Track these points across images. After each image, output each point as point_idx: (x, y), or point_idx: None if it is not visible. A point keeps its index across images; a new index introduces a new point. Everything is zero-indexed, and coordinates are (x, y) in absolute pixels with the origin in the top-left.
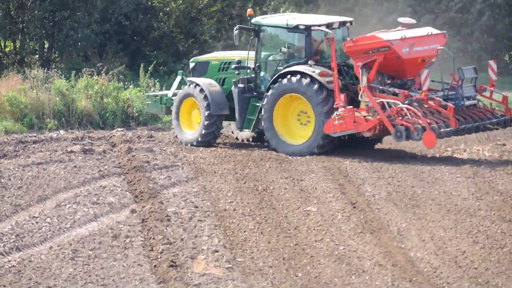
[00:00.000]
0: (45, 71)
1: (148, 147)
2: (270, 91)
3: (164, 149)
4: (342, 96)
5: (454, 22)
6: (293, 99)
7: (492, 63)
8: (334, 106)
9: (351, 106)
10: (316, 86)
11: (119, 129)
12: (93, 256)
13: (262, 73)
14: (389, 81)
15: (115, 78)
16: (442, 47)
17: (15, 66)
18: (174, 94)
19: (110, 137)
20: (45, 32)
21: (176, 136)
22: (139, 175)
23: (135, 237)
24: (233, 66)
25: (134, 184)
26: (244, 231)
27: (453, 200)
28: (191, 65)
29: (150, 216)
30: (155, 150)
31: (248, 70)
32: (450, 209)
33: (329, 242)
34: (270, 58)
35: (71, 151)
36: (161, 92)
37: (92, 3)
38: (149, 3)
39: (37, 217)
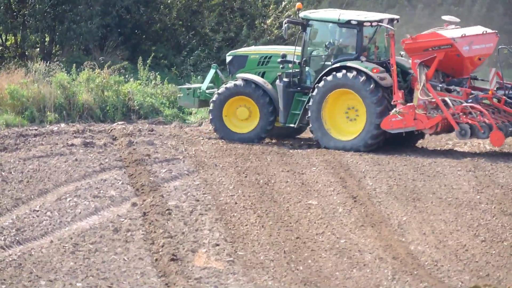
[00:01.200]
0: (47, 64)
1: (149, 140)
2: (320, 85)
3: (165, 142)
4: (400, 93)
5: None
6: (342, 94)
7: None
8: (392, 102)
9: (412, 103)
10: (370, 83)
11: (120, 122)
12: (93, 250)
13: (307, 68)
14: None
15: (115, 72)
16: (505, 47)
17: (16, 60)
18: (208, 88)
19: (111, 131)
20: (46, 25)
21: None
22: (140, 169)
23: (136, 231)
24: (278, 60)
25: (135, 177)
26: (245, 225)
27: (454, 193)
28: (228, 58)
29: (151, 209)
30: (156, 144)
31: (293, 65)
32: (450, 202)
33: (330, 235)
34: (315, 53)
35: (72, 144)
36: (194, 85)
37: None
38: None
39: (37, 211)
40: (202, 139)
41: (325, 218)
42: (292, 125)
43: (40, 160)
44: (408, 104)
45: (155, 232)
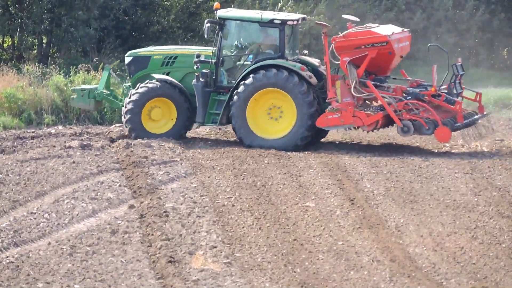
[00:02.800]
0: (43, 66)
1: (146, 142)
2: (247, 83)
3: (162, 144)
4: (333, 91)
5: (450, 18)
6: (266, 93)
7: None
8: (327, 100)
9: (350, 100)
10: (303, 83)
11: (117, 124)
12: (91, 252)
13: (224, 68)
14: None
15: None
16: (434, 43)
17: (13, 62)
18: (106, 88)
19: (108, 133)
20: (43, 28)
21: None
22: (137, 171)
23: (133, 233)
24: (194, 59)
25: (132, 179)
26: (243, 227)
27: (452, 195)
28: (128, 59)
29: (149, 211)
30: (153, 146)
31: (210, 64)
32: (448, 204)
33: (327, 237)
34: (233, 52)
35: (69, 147)
36: (88, 86)
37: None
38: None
39: (35, 213)
40: (200, 141)
41: (323, 220)
42: (212, 125)
43: (37, 162)
44: (345, 101)
45: (152, 234)
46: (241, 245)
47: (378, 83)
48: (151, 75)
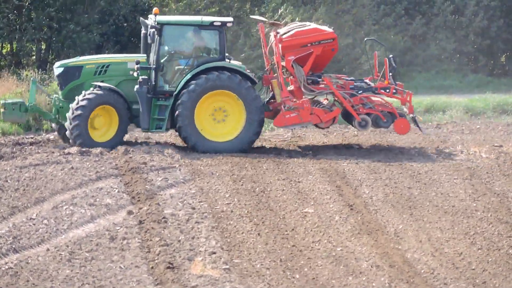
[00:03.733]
0: (42, 72)
1: (145, 148)
2: (192, 88)
3: (161, 150)
4: (287, 90)
5: (449, 25)
6: (209, 97)
7: (386, 59)
8: (281, 99)
9: (306, 98)
10: (247, 82)
11: None
12: (90, 258)
13: (164, 73)
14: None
15: None
16: (373, 38)
17: (12, 68)
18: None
19: None
20: (43, 35)
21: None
22: (136, 177)
23: (132, 239)
24: (135, 66)
25: (131, 185)
26: (242, 233)
27: (450, 201)
28: (58, 70)
29: (147, 217)
30: (152, 152)
31: (150, 70)
32: (447, 210)
33: (326, 243)
34: (173, 57)
35: (68, 153)
36: (17, 100)
37: (90, 5)
38: (146, 5)
39: (34, 219)
40: None
41: (322, 226)
42: (157, 130)
43: (36, 168)
44: (302, 99)
45: (151, 240)
46: (240, 251)
47: (317, 79)
48: (92, 83)
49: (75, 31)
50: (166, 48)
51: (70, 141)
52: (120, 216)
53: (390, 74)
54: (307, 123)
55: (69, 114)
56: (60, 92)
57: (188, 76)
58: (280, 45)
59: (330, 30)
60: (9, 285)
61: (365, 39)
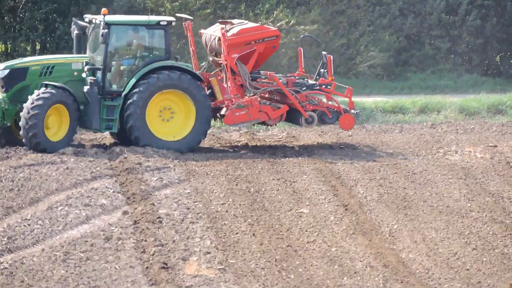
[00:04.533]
0: None
1: (140, 149)
2: (142, 88)
3: (156, 151)
4: (233, 88)
5: (442, 24)
6: (158, 96)
7: (331, 57)
8: (229, 97)
9: (254, 96)
10: (196, 81)
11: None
12: (85, 258)
13: (112, 73)
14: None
15: None
16: (309, 35)
17: None
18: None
19: (102, 139)
20: (37, 35)
21: None
22: (131, 177)
23: (127, 239)
24: (85, 67)
25: (126, 186)
26: (236, 233)
27: (445, 201)
28: (4, 72)
29: (142, 218)
30: (147, 152)
31: (101, 71)
32: (441, 210)
33: (321, 243)
34: (121, 57)
35: (63, 153)
36: None
37: (85, 6)
38: (142, 5)
39: (29, 219)
40: None
41: (316, 226)
42: (106, 131)
43: (31, 169)
44: (250, 97)
45: (146, 240)
46: (234, 251)
47: (259, 76)
48: (43, 82)
49: (68, 32)
50: (114, 48)
51: (24, 140)
52: (115, 217)
53: (325, 70)
54: (256, 121)
55: (24, 114)
56: (3, 95)
57: (138, 75)
58: (226, 43)
59: (274, 28)
60: (4, 285)
61: (302, 36)
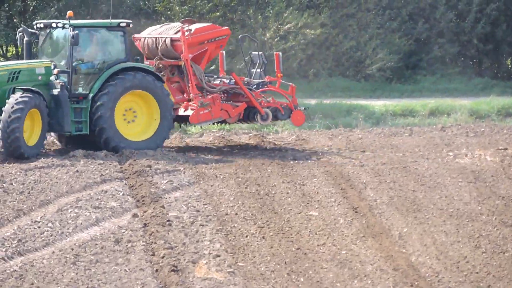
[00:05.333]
0: None
1: (150, 151)
2: (110, 90)
3: (166, 153)
4: (194, 87)
5: (452, 30)
6: (124, 97)
7: (279, 54)
8: (191, 96)
9: (217, 94)
10: (160, 81)
11: None
12: (95, 261)
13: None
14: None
15: None
16: (247, 35)
17: None
18: None
19: None
20: None
21: None
22: (140, 180)
23: (136, 242)
24: (55, 70)
25: (135, 188)
26: (246, 236)
27: (455, 204)
28: None
29: (152, 220)
30: (157, 155)
31: (68, 74)
32: (451, 213)
33: (331, 246)
34: (85, 59)
35: (73, 155)
36: None
37: (95, 9)
38: (151, 8)
39: (39, 222)
40: (203, 150)
41: (326, 229)
42: (77, 133)
43: (41, 171)
44: (212, 95)
45: (155, 243)
46: (244, 254)
47: (213, 76)
48: (18, 87)
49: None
50: (79, 51)
51: (2, 144)
52: (124, 219)
53: (261, 69)
54: (218, 119)
55: (4, 118)
56: None
57: (103, 77)
58: (185, 44)
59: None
60: (14, 287)
61: (240, 36)
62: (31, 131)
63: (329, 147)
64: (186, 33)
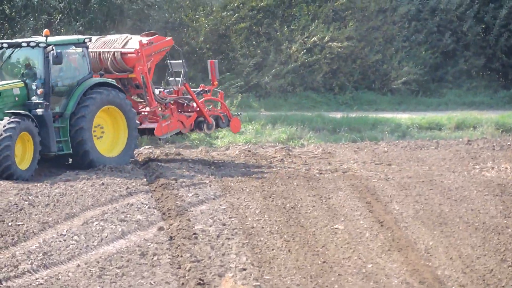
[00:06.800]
0: None
1: (176, 164)
2: (88, 107)
3: (192, 166)
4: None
5: (477, 43)
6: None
7: (215, 62)
8: (151, 108)
9: (174, 106)
10: (123, 94)
11: (146, 146)
12: (120, 274)
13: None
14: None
15: None
16: (178, 48)
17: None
18: None
19: (138, 155)
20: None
21: None
22: (166, 193)
23: (162, 255)
24: (39, 90)
25: (161, 201)
26: (272, 249)
27: (481, 218)
28: None
29: (178, 233)
30: (183, 168)
31: (50, 93)
32: (477, 227)
33: (356, 260)
34: (59, 77)
35: (99, 168)
36: None
37: (121, 22)
38: (177, 20)
39: (64, 235)
40: (229, 164)
41: (352, 243)
42: (59, 153)
43: (66, 184)
44: (171, 107)
45: (181, 256)
46: (270, 267)
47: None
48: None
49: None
50: (56, 68)
51: None
52: (150, 232)
53: (183, 78)
54: (175, 131)
55: None
56: None
57: (78, 94)
58: (143, 56)
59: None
60: None
61: (176, 47)
62: (23, 154)
63: (355, 160)
64: (145, 47)
